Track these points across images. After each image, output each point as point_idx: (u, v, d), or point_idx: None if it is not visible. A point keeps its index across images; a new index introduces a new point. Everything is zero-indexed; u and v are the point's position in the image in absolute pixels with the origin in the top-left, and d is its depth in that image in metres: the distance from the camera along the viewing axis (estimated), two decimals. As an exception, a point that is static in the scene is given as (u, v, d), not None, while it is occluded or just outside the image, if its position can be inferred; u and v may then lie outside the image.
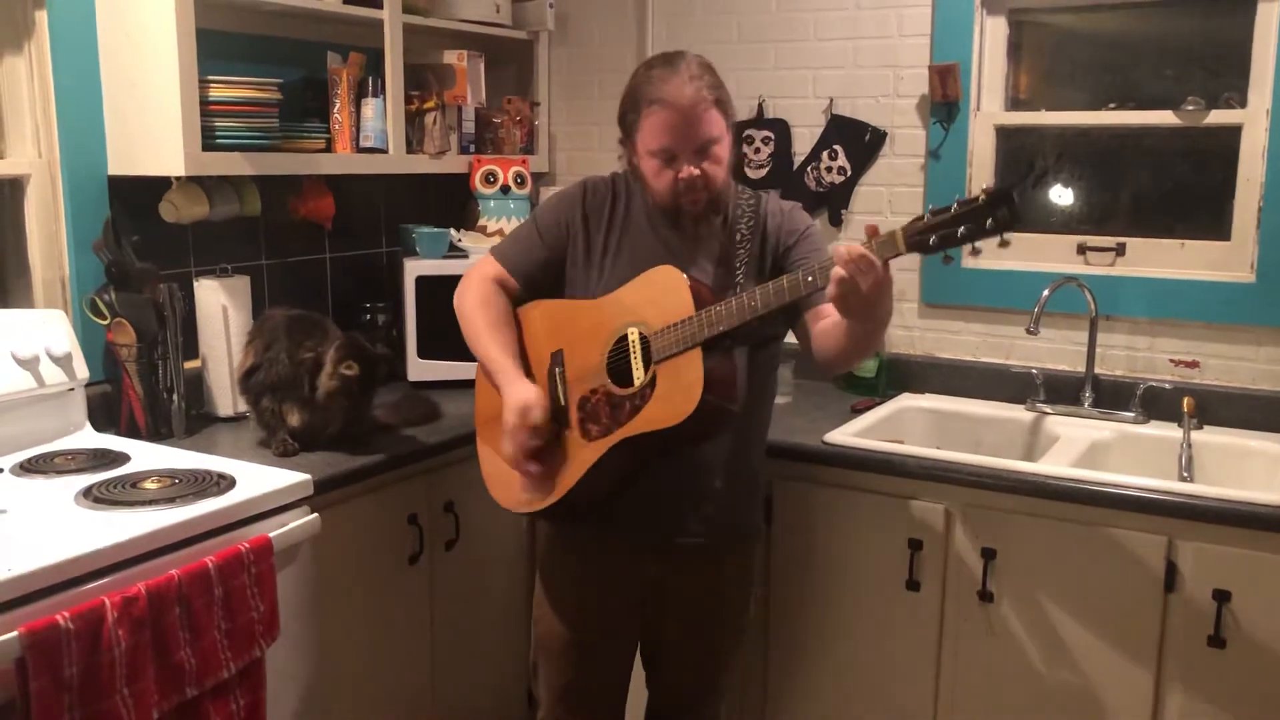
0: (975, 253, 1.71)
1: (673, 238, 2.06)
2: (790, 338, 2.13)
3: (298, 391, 2.26)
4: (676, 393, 1.85)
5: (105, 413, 2.39)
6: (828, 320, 1.93)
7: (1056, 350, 2.77)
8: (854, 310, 1.73)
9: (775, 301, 1.82)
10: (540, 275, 2.13)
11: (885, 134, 2.92)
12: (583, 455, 1.97)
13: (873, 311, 1.75)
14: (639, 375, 1.92)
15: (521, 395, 1.97)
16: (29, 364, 2.18)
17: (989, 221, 1.63)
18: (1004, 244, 1.69)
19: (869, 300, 1.69)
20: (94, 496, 1.89)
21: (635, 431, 1.90)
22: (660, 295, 1.91)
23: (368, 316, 2.96)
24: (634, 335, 1.94)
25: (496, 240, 2.97)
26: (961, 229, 1.66)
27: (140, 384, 2.37)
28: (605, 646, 2.17)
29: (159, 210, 2.48)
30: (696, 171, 1.96)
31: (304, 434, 2.30)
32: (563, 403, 2.01)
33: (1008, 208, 1.63)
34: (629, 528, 2.06)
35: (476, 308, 2.10)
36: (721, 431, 1.96)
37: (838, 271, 1.68)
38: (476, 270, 2.16)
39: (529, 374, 2.05)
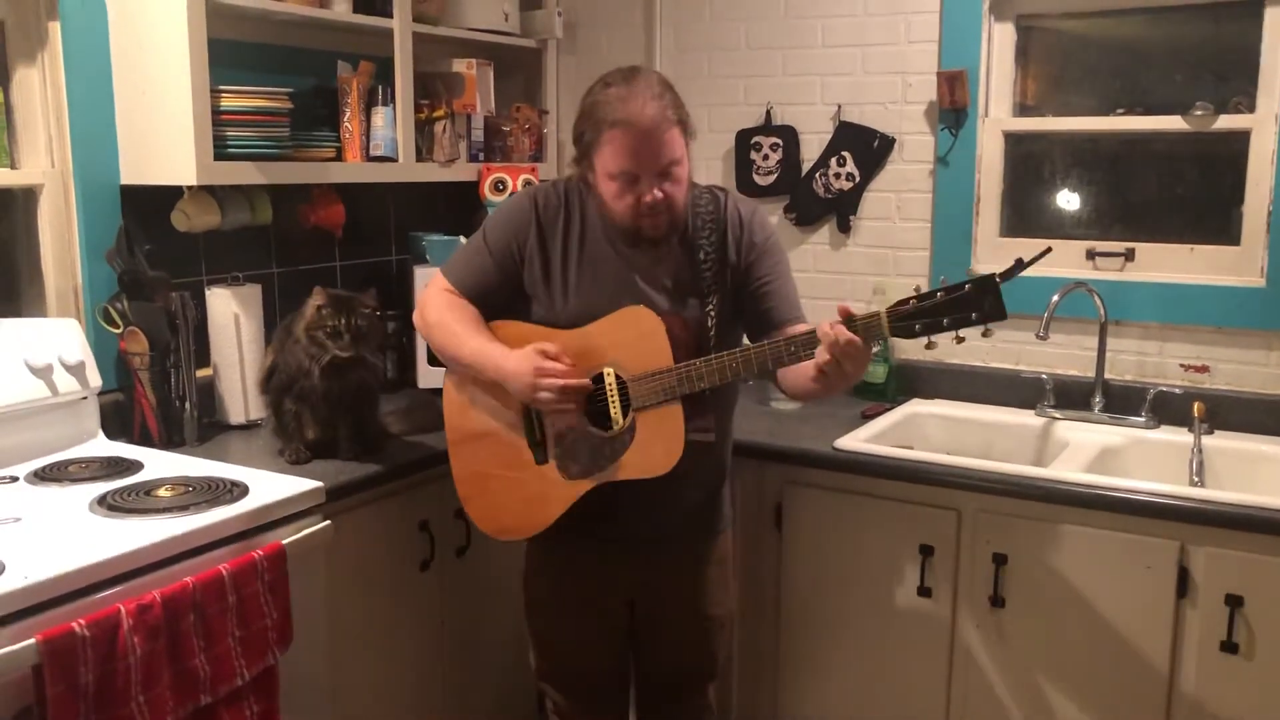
0: (959, 341, 1.74)
1: (634, 255, 2.02)
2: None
3: (309, 381, 2.26)
4: (657, 445, 1.88)
5: (118, 421, 2.40)
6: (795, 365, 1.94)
7: (1066, 355, 2.77)
8: (832, 383, 1.81)
9: (757, 369, 1.86)
10: (493, 293, 2.09)
11: (894, 140, 2.93)
12: (561, 493, 1.98)
13: (846, 381, 1.83)
14: (618, 420, 1.93)
15: (527, 352, 1.92)
16: (42, 373, 2.19)
17: (974, 314, 1.69)
18: (987, 334, 1.72)
19: (846, 374, 1.78)
20: (108, 504, 1.90)
21: (616, 478, 1.92)
22: (636, 339, 1.90)
23: (388, 329, 2.97)
24: (611, 377, 1.93)
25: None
26: (947, 319, 1.70)
27: (153, 392, 2.38)
28: (601, 647, 2.19)
29: (171, 219, 2.49)
30: (660, 195, 1.92)
31: (318, 445, 2.31)
32: (539, 436, 2.01)
33: (993, 299, 1.67)
34: (608, 539, 2.08)
35: (444, 311, 2.07)
36: (702, 462, 1.98)
37: (823, 355, 1.75)
38: (430, 289, 2.13)
39: (501, 392, 2.02)
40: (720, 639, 2.24)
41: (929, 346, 1.75)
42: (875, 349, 1.91)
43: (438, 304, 2.09)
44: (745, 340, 2.05)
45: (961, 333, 1.71)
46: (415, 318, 2.14)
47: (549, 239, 2.05)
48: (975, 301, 1.67)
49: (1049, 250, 1.82)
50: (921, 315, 1.71)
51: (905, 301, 1.73)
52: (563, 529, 2.06)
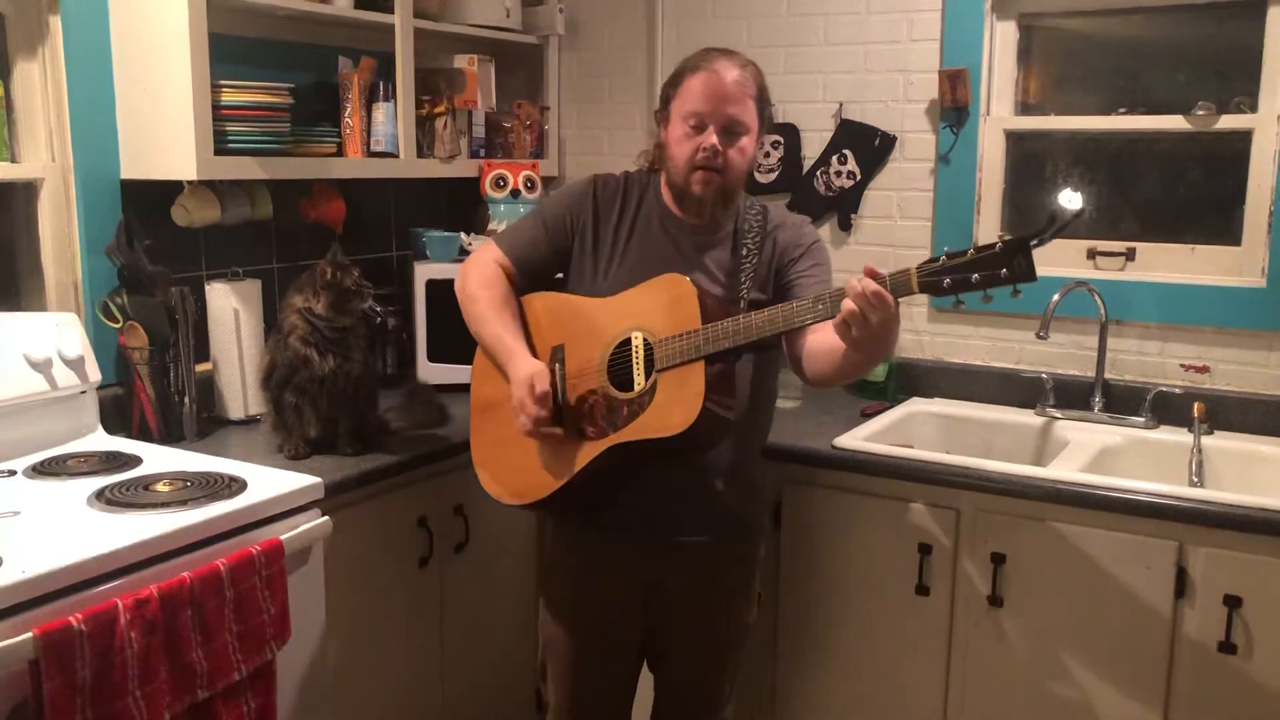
0: (987, 299, 1.72)
1: (683, 240, 2.07)
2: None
3: (306, 370, 2.26)
4: (676, 404, 1.86)
5: (117, 415, 2.40)
6: (822, 339, 1.93)
7: (1066, 355, 2.77)
8: (857, 342, 1.75)
9: (782, 326, 1.83)
10: (541, 267, 2.15)
11: (895, 138, 2.93)
12: (577, 455, 1.97)
13: (876, 345, 1.78)
14: (640, 381, 1.92)
15: (527, 369, 1.98)
16: (42, 367, 2.19)
17: (1004, 271, 1.66)
18: (1016, 294, 1.70)
19: (875, 335, 1.73)
20: (106, 499, 1.90)
21: (630, 438, 1.90)
22: (668, 303, 1.91)
23: (378, 320, 2.97)
24: (638, 340, 1.94)
25: (506, 244, 2.98)
26: (976, 275, 1.68)
27: (152, 387, 2.38)
28: (609, 646, 2.18)
29: (171, 214, 2.49)
30: (716, 144, 1.97)
31: (317, 442, 2.31)
32: (560, 399, 2.01)
33: (1023, 258, 1.64)
34: (626, 528, 2.07)
35: (479, 289, 2.11)
36: (719, 440, 1.96)
37: (848, 304, 1.71)
38: (478, 255, 2.17)
39: None
40: (733, 658, 2.23)
41: (957, 305, 1.74)
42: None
43: (478, 276, 2.13)
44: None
45: (991, 294, 1.69)
46: (457, 280, 2.17)
47: (603, 217, 2.11)
48: (1005, 260, 1.66)
49: (1081, 213, 1.79)
50: (951, 271, 1.69)
51: (936, 258, 1.72)
52: (583, 516, 2.07)
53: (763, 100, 2.03)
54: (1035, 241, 1.68)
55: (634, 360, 1.94)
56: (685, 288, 1.91)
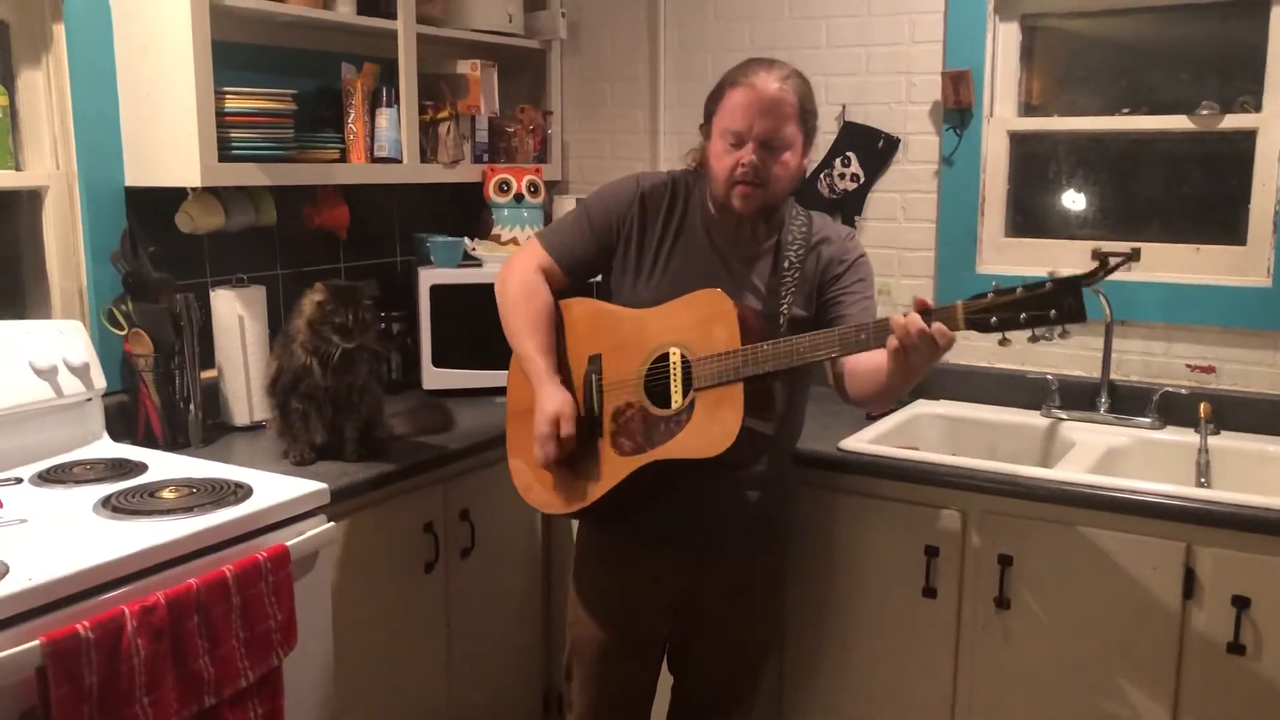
0: (1034, 340, 1.69)
1: (728, 251, 2.05)
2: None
3: (310, 379, 2.26)
4: (714, 425, 1.84)
5: (123, 422, 2.40)
6: (862, 362, 1.93)
7: (1072, 356, 2.76)
8: (896, 376, 1.78)
9: (824, 354, 1.82)
10: (584, 267, 2.13)
11: (898, 140, 2.92)
12: (611, 469, 1.96)
13: (918, 372, 1.80)
14: (677, 399, 1.90)
15: (554, 403, 1.96)
16: (47, 374, 2.19)
17: (1053, 311, 1.64)
18: (1065, 335, 1.68)
19: (914, 371, 1.76)
20: (112, 506, 1.90)
21: (667, 456, 1.88)
22: (707, 320, 1.88)
23: (383, 325, 2.97)
24: (676, 356, 1.91)
25: (510, 249, 2.98)
26: (1024, 314, 1.65)
27: (157, 394, 2.38)
28: (638, 650, 2.18)
29: (175, 221, 2.49)
30: (754, 160, 1.94)
31: (323, 447, 2.31)
32: (597, 411, 2.00)
33: (1074, 299, 1.62)
34: (662, 539, 2.06)
35: (519, 299, 2.08)
36: (758, 457, 1.95)
37: (892, 343, 1.72)
38: (522, 255, 2.14)
39: (565, 368, 2.05)
40: (761, 664, 2.23)
41: (1003, 343, 1.72)
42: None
43: (519, 285, 2.09)
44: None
45: (1039, 332, 1.67)
46: (498, 281, 2.14)
47: (649, 222, 2.08)
48: (1055, 300, 1.63)
49: (1135, 254, 1.76)
50: (998, 309, 1.67)
51: (983, 295, 1.70)
52: (617, 522, 2.07)
53: (805, 112, 1.98)
54: (1087, 283, 1.65)
55: (672, 377, 1.92)
56: (726, 306, 1.87)
